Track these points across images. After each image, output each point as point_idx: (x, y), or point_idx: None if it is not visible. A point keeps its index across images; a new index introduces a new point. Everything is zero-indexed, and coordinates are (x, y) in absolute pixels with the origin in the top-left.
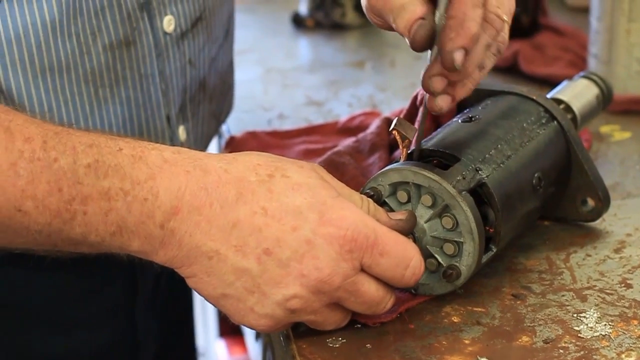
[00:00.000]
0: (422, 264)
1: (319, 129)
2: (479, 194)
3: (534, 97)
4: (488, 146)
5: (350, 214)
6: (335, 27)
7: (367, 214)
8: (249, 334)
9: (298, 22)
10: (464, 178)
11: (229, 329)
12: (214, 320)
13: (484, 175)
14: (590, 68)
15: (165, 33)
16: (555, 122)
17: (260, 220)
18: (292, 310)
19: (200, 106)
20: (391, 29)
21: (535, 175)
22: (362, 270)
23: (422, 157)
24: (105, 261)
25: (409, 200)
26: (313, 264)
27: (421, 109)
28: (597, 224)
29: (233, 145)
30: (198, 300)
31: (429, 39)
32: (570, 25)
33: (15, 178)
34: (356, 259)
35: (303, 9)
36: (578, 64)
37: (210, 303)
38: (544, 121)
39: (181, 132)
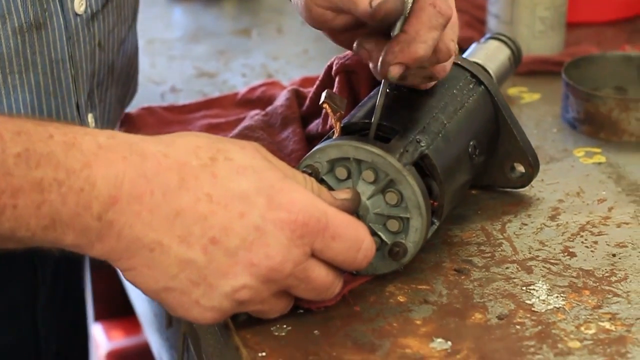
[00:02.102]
0: (374, 246)
1: (217, 102)
2: (420, 167)
3: (459, 62)
4: (424, 116)
5: (300, 196)
6: None
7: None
8: (147, 318)
9: None
10: (406, 151)
11: (105, 312)
12: (89, 304)
13: (425, 147)
14: (490, 29)
15: (75, 14)
16: (482, 86)
17: (205, 208)
18: (240, 301)
19: (108, 92)
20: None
21: (471, 143)
22: (312, 255)
23: (356, 131)
24: (3, 259)
25: (348, 177)
26: (263, 251)
27: (381, 85)
28: (527, 190)
29: (129, 123)
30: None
31: (395, 14)
32: None
33: None
34: (307, 244)
35: None
36: (474, 25)
37: (149, 297)
38: (471, 86)
39: (90, 120)
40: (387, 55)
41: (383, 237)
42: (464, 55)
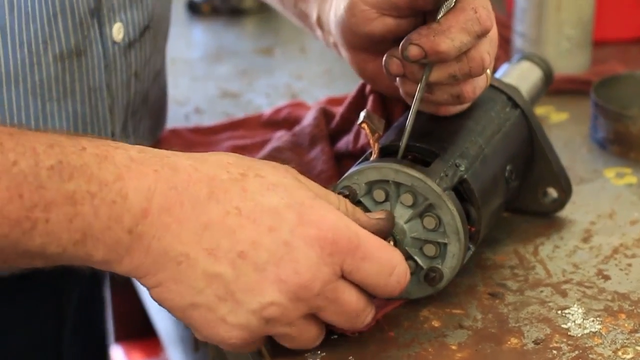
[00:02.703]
0: (408, 272)
1: (243, 123)
2: (457, 191)
3: (495, 84)
4: (462, 139)
5: (331, 215)
6: (233, 13)
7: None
8: (171, 340)
9: (194, 8)
10: (446, 175)
11: (125, 333)
12: (109, 325)
13: (464, 171)
14: (516, 47)
15: (114, 42)
16: (519, 109)
17: (234, 221)
18: (268, 319)
19: (142, 122)
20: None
21: (507, 167)
22: (342, 277)
23: (394, 152)
24: (29, 294)
25: (386, 200)
26: (292, 267)
27: (414, 103)
28: (558, 212)
29: (156, 146)
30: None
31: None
32: None
33: None
34: (337, 264)
35: None
36: (500, 43)
37: (176, 316)
38: (508, 109)
39: None
40: (413, 33)
41: (419, 261)
42: (497, 76)
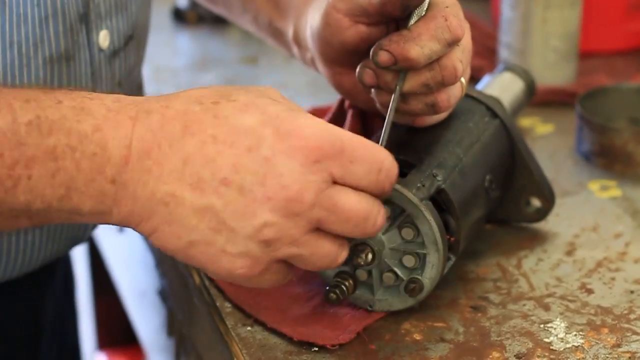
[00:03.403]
0: (395, 165)
1: None
2: (436, 201)
3: (474, 95)
4: (440, 149)
5: (310, 122)
6: (219, 21)
7: None
8: (154, 349)
9: (179, 16)
10: (423, 185)
11: (109, 340)
12: (92, 331)
13: (441, 181)
14: (502, 58)
15: (100, 49)
16: (498, 120)
17: (211, 149)
18: (266, 241)
19: None
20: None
21: (487, 177)
22: (335, 183)
23: None
24: (5, 304)
25: None
26: (277, 182)
27: (388, 113)
28: (542, 225)
29: None
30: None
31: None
32: (468, 14)
33: None
34: (325, 170)
35: (182, 1)
36: (485, 54)
37: (180, 259)
38: (486, 119)
39: None
40: (384, 40)
41: (399, 272)
42: (478, 87)
